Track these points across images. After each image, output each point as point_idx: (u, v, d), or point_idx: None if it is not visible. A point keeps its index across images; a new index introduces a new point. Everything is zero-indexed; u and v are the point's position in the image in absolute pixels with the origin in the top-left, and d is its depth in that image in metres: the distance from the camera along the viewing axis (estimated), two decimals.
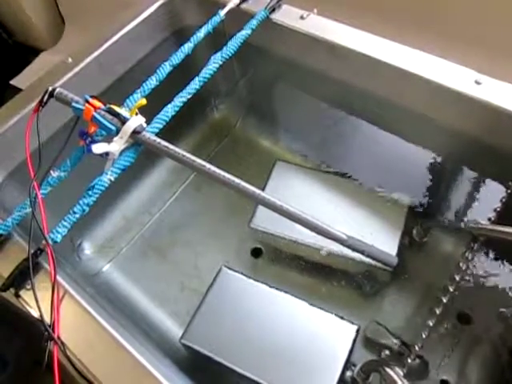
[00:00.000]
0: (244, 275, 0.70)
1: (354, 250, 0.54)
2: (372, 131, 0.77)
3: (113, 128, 0.53)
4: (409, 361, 0.50)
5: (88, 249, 0.83)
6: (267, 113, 0.93)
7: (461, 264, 0.51)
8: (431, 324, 0.50)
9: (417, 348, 0.49)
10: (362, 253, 0.55)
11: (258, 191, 0.54)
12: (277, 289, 0.68)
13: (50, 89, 0.55)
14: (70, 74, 0.67)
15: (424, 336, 0.50)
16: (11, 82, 1.23)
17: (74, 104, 0.54)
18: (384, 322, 0.70)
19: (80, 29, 1.13)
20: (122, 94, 0.60)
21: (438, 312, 0.49)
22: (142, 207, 0.87)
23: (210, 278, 0.69)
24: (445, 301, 0.50)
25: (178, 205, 0.87)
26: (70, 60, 0.69)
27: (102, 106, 0.54)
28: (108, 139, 0.55)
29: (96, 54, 0.69)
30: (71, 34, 1.19)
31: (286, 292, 0.67)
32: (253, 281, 0.69)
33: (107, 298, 0.73)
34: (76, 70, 0.68)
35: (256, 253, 0.79)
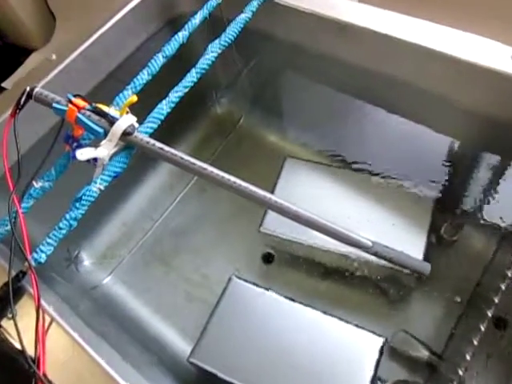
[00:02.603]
0: (256, 285, 0.64)
1: (381, 257, 0.48)
2: (390, 119, 0.70)
3: (100, 130, 0.47)
4: None
5: (86, 259, 0.77)
6: (273, 105, 0.87)
7: (509, 273, 0.44)
8: (475, 342, 0.43)
9: (461, 372, 0.42)
10: (390, 260, 0.48)
11: (268, 195, 0.48)
12: (292, 299, 0.62)
13: (28, 89, 0.48)
14: (54, 73, 0.61)
15: (468, 357, 0.43)
16: (2, 85, 1.17)
17: (55, 105, 0.47)
18: (412, 330, 0.64)
19: (71, 25, 1.06)
20: (113, 93, 0.54)
21: (482, 328, 0.42)
22: (142, 212, 0.82)
23: (219, 287, 0.64)
24: (490, 314, 0.43)
25: (182, 208, 0.82)
26: (53, 57, 0.62)
27: (87, 106, 0.48)
28: (97, 143, 0.49)
29: (82, 48, 0.63)
30: (62, 30, 1.12)
31: (301, 302, 0.61)
32: (266, 291, 0.63)
33: (107, 313, 0.68)
34: (60, 67, 0.61)
35: (267, 258, 0.74)
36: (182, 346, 0.67)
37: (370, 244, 0.47)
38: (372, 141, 0.78)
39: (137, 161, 0.79)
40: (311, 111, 0.80)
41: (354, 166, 0.75)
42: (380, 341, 0.58)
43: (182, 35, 0.57)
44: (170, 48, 0.56)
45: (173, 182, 0.84)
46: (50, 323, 0.42)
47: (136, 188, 0.83)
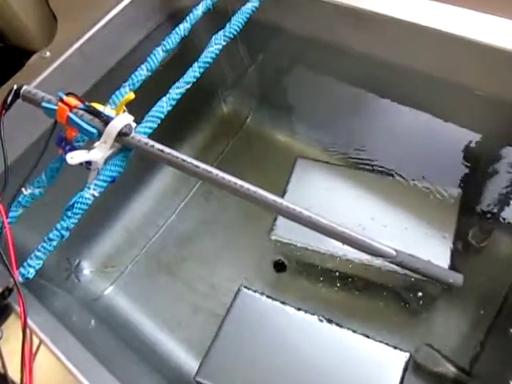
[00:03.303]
0: (267, 296, 0.60)
1: (406, 268, 0.43)
2: (408, 115, 0.66)
3: (93, 130, 0.42)
4: None
5: (87, 268, 0.73)
6: (283, 102, 0.82)
7: None
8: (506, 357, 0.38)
9: None
10: (416, 271, 0.43)
11: (278, 200, 0.43)
12: (306, 311, 0.57)
13: (15, 87, 0.44)
14: (48, 71, 0.57)
15: (499, 374, 0.38)
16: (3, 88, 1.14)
17: (44, 104, 0.43)
18: (436, 344, 0.60)
19: (73, 25, 1.03)
20: (113, 91, 0.50)
21: None
22: (146, 218, 0.78)
23: (227, 297, 0.61)
24: None
25: (188, 213, 0.78)
26: (47, 54, 0.58)
27: (80, 105, 0.44)
28: (91, 145, 0.44)
29: (78, 44, 0.59)
30: (64, 31, 1.09)
31: (316, 315, 0.57)
32: (278, 303, 0.59)
33: (108, 327, 0.64)
34: (55, 65, 0.57)
35: (279, 267, 0.69)
36: (187, 361, 0.63)
37: (393, 253, 0.42)
38: (388, 139, 0.73)
39: (139, 163, 0.76)
40: (323, 108, 0.76)
41: (370, 165, 0.70)
42: (404, 356, 0.53)
43: (183, 27, 0.53)
44: (171, 41, 0.52)
45: (177, 185, 0.81)
46: (39, 346, 0.38)
47: (139, 192, 0.79)
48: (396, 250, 0.42)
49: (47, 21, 1.32)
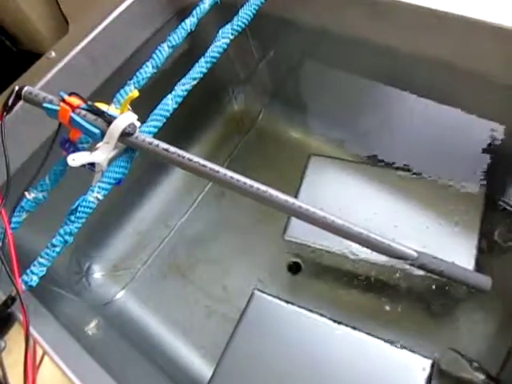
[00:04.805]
0: (282, 300, 0.57)
1: (428, 271, 0.40)
2: (427, 108, 0.62)
3: (96, 131, 0.41)
4: None
5: (98, 272, 0.72)
6: (295, 98, 0.80)
7: None
8: None
9: None
10: (440, 274, 0.40)
11: (291, 200, 0.41)
12: (323, 315, 0.55)
13: (17, 88, 0.43)
14: (53, 72, 0.55)
15: None
16: None
17: (45, 104, 0.42)
18: (461, 349, 0.56)
19: (84, 27, 1.03)
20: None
21: None
22: (157, 219, 0.77)
23: (241, 300, 0.58)
24: None
25: (199, 214, 0.76)
26: (53, 54, 0.57)
27: (83, 105, 0.42)
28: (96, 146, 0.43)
29: (83, 44, 0.58)
30: (76, 34, 1.09)
31: (333, 319, 0.54)
32: (294, 307, 0.56)
33: (121, 332, 0.63)
34: (60, 65, 0.56)
35: (294, 268, 0.66)
36: (201, 367, 0.61)
37: (414, 255, 0.39)
38: (406, 133, 0.70)
39: (150, 164, 0.74)
40: (337, 103, 0.73)
41: (387, 162, 0.67)
42: (428, 363, 0.50)
43: (189, 22, 0.51)
44: (177, 37, 0.50)
45: (189, 185, 0.79)
46: (43, 357, 0.36)
47: (149, 193, 0.78)
48: (417, 252, 0.40)
49: (59, 25, 1.32)
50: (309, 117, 0.79)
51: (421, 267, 0.40)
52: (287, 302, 0.57)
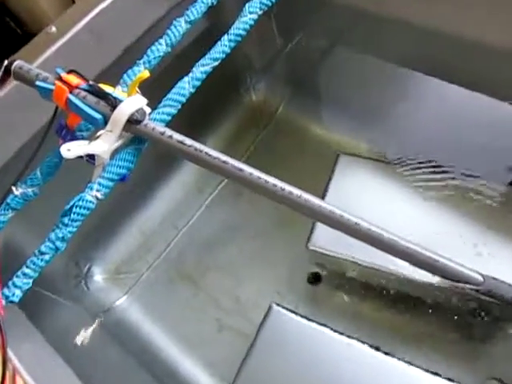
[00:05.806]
0: (303, 316, 0.51)
1: (496, 298, 0.33)
2: (474, 100, 0.56)
3: (98, 116, 0.34)
4: None
5: (99, 275, 0.66)
6: (319, 90, 0.74)
7: None
8: None
9: None
10: (508, 302, 0.33)
11: (318, 203, 0.34)
12: (348, 336, 0.49)
13: (6, 63, 0.36)
14: (52, 49, 0.49)
15: None
16: None
17: (38, 83, 0.35)
18: (506, 378, 0.50)
19: (91, 5, 0.97)
20: None
21: None
22: (164, 219, 0.71)
23: (256, 314, 0.54)
24: None
25: (212, 216, 0.71)
26: (53, 29, 0.50)
27: (83, 84, 0.35)
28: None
29: (88, 18, 0.51)
30: (80, 7, 1.04)
31: (359, 339, 0.50)
32: (315, 324, 0.51)
33: (121, 343, 0.57)
34: (61, 42, 0.49)
35: (314, 279, 0.60)
36: None
37: (479, 279, 0.32)
38: (446, 130, 0.64)
39: (158, 157, 0.68)
40: (367, 96, 0.68)
41: (426, 163, 0.61)
42: None
43: None
44: (196, 11, 0.44)
45: (201, 182, 0.73)
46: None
47: (157, 189, 0.72)
48: (483, 276, 0.33)
49: (66, 5, 1.26)
50: (334, 111, 0.74)
51: (487, 294, 0.33)
52: (308, 318, 0.52)
